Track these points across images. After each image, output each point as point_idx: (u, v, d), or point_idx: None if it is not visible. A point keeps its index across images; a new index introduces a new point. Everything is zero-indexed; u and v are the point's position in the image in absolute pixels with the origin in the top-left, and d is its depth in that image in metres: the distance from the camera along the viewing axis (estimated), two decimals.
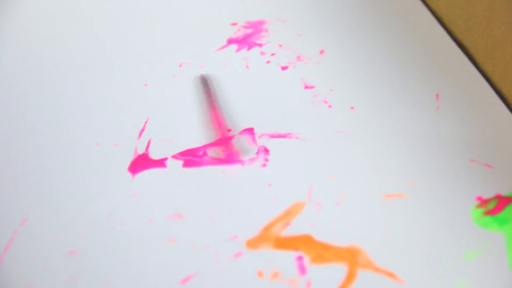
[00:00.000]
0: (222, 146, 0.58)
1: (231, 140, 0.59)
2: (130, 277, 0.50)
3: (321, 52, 0.69)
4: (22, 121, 0.62)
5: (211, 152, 0.59)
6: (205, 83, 0.64)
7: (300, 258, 0.51)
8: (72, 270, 0.51)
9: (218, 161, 0.58)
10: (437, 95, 0.63)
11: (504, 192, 0.54)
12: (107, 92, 0.65)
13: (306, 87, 0.65)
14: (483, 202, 0.54)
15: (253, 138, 0.60)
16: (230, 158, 0.58)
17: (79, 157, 0.59)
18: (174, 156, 0.59)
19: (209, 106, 0.62)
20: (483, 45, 0.65)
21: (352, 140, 0.59)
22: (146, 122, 0.62)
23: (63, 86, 0.66)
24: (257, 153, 0.58)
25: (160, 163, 0.58)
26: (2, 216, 0.54)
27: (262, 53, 0.69)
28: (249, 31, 0.72)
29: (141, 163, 0.58)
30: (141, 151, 0.59)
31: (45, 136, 0.61)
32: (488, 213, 0.53)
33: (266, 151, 0.59)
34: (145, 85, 0.66)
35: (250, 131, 0.60)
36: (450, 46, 0.68)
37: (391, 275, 0.49)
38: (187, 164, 0.58)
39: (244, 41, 0.71)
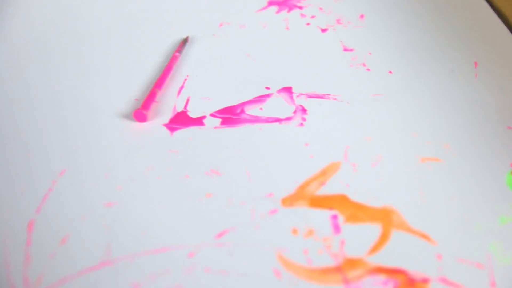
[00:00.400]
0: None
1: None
2: (166, 230, 0.51)
3: (361, 16, 0.69)
4: (64, 78, 0.63)
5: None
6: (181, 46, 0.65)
7: (334, 217, 0.51)
8: (108, 221, 0.52)
9: (256, 119, 0.58)
10: (475, 63, 0.63)
11: None
12: (148, 49, 0.66)
13: (345, 49, 0.65)
14: None
15: (291, 97, 0.60)
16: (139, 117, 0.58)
17: (118, 112, 0.59)
18: (212, 114, 0.59)
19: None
20: None
21: (390, 104, 0.59)
22: (185, 80, 0.62)
23: (115, 38, 0.67)
24: (295, 112, 0.59)
25: (198, 121, 0.59)
26: (41, 166, 0.55)
27: (302, 15, 0.69)
28: None
29: (180, 120, 0.58)
30: (179, 108, 0.60)
31: (89, 90, 0.61)
32: None
33: (304, 110, 0.59)
34: (186, 42, 0.66)
35: (288, 90, 0.61)
36: (489, 14, 0.68)
37: (424, 236, 0.50)
38: (225, 122, 0.58)
39: (285, 3, 0.71)
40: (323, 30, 0.67)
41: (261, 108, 0.59)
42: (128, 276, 0.49)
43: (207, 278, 0.48)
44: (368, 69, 0.63)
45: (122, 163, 0.55)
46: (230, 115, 0.59)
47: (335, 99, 0.60)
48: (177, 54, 0.63)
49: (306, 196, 0.53)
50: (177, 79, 0.62)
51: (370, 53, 0.64)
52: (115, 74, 0.63)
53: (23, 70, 0.63)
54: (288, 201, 0.52)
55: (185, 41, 0.65)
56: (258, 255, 0.49)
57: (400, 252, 0.49)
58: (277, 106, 0.60)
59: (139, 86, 0.62)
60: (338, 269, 0.48)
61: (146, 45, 0.66)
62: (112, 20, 0.69)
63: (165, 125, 0.58)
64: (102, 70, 0.63)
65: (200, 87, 0.62)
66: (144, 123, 0.58)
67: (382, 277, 0.48)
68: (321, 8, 0.70)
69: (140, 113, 0.58)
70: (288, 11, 0.70)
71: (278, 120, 0.58)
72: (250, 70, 0.63)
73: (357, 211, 0.51)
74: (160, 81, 0.61)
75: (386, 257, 0.49)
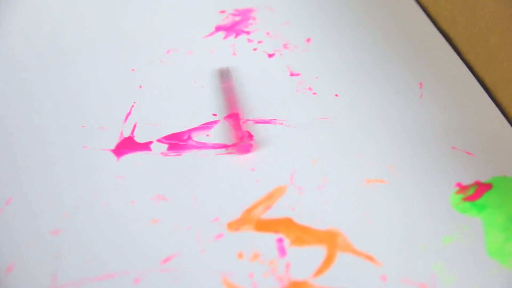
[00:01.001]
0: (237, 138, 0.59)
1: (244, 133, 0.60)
2: (112, 257, 0.51)
3: (308, 40, 0.69)
4: (10, 104, 0.63)
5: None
6: (225, 75, 0.65)
7: (280, 240, 0.51)
8: (55, 249, 0.51)
9: (203, 145, 0.58)
10: (420, 84, 0.63)
11: (484, 179, 0.55)
12: (95, 77, 0.66)
13: (291, 74, 0.65)
14: (462, 188, 0.54)
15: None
16: (243, 149, 0.58)
17: (65, 138, 0.59)
18: (159, 140, 0.59)
19: (229, 101, 0.63)
20: (466, 35, 0.66)
21: (336, 127, 0.60)
22: (132, 106, 0.62)
23: (51, 70, 0.67)
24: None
25: (145, 146, 0.59)
26: None
27: (249, 40, 0.70)
28: (237, 18, 0.73)
29: (126, 145, 0.59)
30: (126, 134, 0.60)
31: (32, 118, 0.61)
32: (467, 199, 0.54)
33: (250, 136, 0.59)
34: (133, 70, 0.66)
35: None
36: (434, 36, 0.69)
37: (369, 257, 0.50)
38: (171, 147, 0.58)
39: (232, 29, 0.71)
40: (270, 55, 0.68)
41: (208, 135, 0.60)
42: None
43: None
44: (314, 93, 0.63)
45: (69, 190, 0.55)
46: (177, 141, 0.59)
47: (282, 123, 0.60)
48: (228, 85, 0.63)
49: (252, 220, 0.53)
50: (124, 105, 0.62)
51: (316, 77, 0.65)
52: (63, 100, 0.63)
53: None
54: (234, 225, 0.52)
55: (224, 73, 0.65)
56: (203, 279, 0.49)
57: (345, 274, 0.49)
58: (224, 132, 0.60)
59: (85, 113, 0.61)
60: None
61: (93, 72, 0.66)
62: (52, 56, 0.69)
63: (112, 150, 0.58)
64: (48, 97, 0.63)
65: (147, 113, 0.62)
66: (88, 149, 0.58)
67: None
68: (268, 33, 0.70)
69: (247, 145, 0.58)
70: (236, 36, 0.70)
71: (224, 146, 0.59)
72: (197, 97, 0.63)
73: (302, 234, 0.52)
74: (235, 112, 0.61)
75: (332, 279, 0.49)
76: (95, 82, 0.65)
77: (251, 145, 0.58)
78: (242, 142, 0.58)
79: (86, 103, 0.63)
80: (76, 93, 0.64)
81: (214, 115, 0.61)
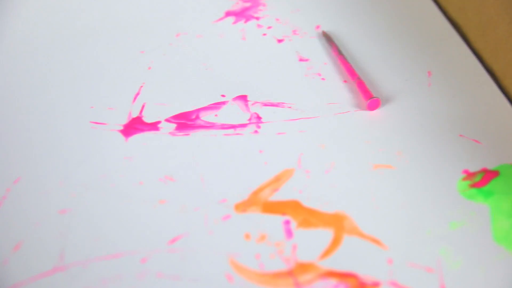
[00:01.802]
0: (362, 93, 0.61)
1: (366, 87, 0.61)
2: (119, 237, 0.51)
3: (317, 27, 0.69)
4: (19, 84, 0.63)
5: None
6: (329, 38, 0.65)
7: (287, 222, 0.52)
8: (62, 227, 0.52)
9: (211, 125, 0.59)
10: (429, 72, 0.63)
11: (491, 166, 0.55)
12: (104, 58, 0.66)
13: (300, 59, 0.65)
14: (469, 175, 0.55)
15: (246, 105, 0.60)
16: (374, 105, 0.60)
17: (74, 119, 0.60)
18: (167, 119, 0.59)
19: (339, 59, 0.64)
20: (475, 23, 0.66)
21: (344, 112, 0.60)
22: (141, 87, 0.62)
23: (62, 51, 0.67)
24: (250, 119, 0.59)
25: (153, 126, 0.59)
26: None
27: (259, 26, 0.70)
28: (247, 4, 0.73)
29: (134, 126, 0.59)
30: (135, 114, 0.60)
31: (41, 99, 0.61)
32: (474, 185, 0.54)
33: (259, 118, 0.59)
34: (142, 52, 0.66)
35: (243, 98, 0.61)
36: (443, 24, 0.69)
37: (375, 241, 0.50)
38: (180, 127, 0.58)
39: (242, 14, 0.71)
40: (279, 41, 0.68)
41: (216, 115, 0.60)
42: (81, 281, 0.49)
43: (160, 283, 0.48)
44: (323, 79, 0.63)
45: (77, 170, 0.55)
46: (185, 121, 0.59)
47: (290, 107, 0.60)
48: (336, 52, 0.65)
49: (259, 202, 0.53)
50: (133, 86, 0.62)
51: (325, 63, 0.65)
52: (73, 81, 0.63)
53: None
54: (241, 207, 0.53)
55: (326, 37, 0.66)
56: (210, 260, 0.50)
57: (352, 257, 0.50)
58: (232, 113, 0.60)
59: (94, 94, 0.61)
60: (289, 273, 0.49)
61: (102, 54, 0.66)
62: (63, 37, 0.69)
63: (120, 131, 0.58)
64: (58, 78, 0.63)
65: (156, 94, 0.62)
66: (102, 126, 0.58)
67: (333, 281, 0.48)
68: (277, 19, 0.70)
69: (376, 100, 0.60)
70: (245, 22, 0.70)
71: (233, 127, 0.59)
72: (206, 79, 0.63)
73: (309, 217, 0.52)
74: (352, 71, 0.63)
75: (338, 262, 0.49)
76: (105, 64, 0.65)
77: (379, 101, 0.60)
78: (372, 98, 0.60)
79: (95, 84, 0.63)
80: (85, 74, 0.64)
81: (223, 96, 0.61)
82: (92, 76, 0.64)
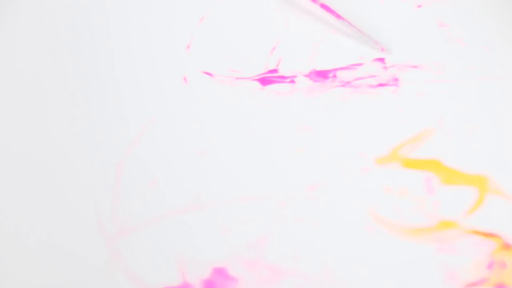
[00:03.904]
0: None
1: None
2: (256, 181, 0.51)
3: None
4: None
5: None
6: None
7: (428, 179, 0.50)
8: (198, 167, 0.52)
9: (349, 84, 0.58)
10: None
11: None
12: (242, 14, 0.66)
13: (440, 25, 0.64)
14: None
15: (385, 67, 0.59)
16: None
17: (209, 68, 0.59)
18: (305, 75, 0.59)
19: None
20: None
21: (487, 79, 0.58)
22: (278, 41, 0.62)
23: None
24: (388, 79, 0.58)
25: (290, 79, 0.58)
26: (132, 113, 0.56)
27: None
28: None
29: (271, 76, 0.58)
30: (271, 67, 0.59)
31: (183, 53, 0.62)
32: None
33: (397, 79, 0.58)
34: (278, 9, 0.66)
35: (381, 60, 0.60)
36: None
37: None
38: (315, 84, 0.58)
39: None
40: (419, 6, 0.66)
41: (353, 76, 0.59)
42: (217, 220, 0.48)
43: (298, 227, 0.48)
44: (463, 45, 0.61)
45: (218, 115, 0.55)
46: (322, 78, 0.58)
47: (430, 70, 0.59)
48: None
49: (399, 158, 0.52)
50: (268, 40, 0.62)
51: (466, 29, 0.63)
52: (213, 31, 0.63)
53: None
54: (381, 161, 0.52)
55: None
56: (349, 209, 0.49)
57: (496, 217, 0.48)
58: (370, 74, 0.59)
59: (230, 46, 0.61)
60: (432, 229, 0.47)
61: (241, 11, 0.66)
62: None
63: (257, 79, 0.58)
64: None
65: (292, 50, 0.61)
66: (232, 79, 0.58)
67: (476, 240, 0.47)
68: None
69: None
70: None
71: (371, 86, 0.58)
72: (345, 39, 0.62)
73: (451, 175, 0.50)
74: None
75: (481, 221, 0.48)
76: (244, 18, 0.65)
77: None
78: None
79: (232, 37, 0.63)
80: (223, 29, 0.64)
81: (361, 57, 0.60)
82: (228, 30, 0.64)
